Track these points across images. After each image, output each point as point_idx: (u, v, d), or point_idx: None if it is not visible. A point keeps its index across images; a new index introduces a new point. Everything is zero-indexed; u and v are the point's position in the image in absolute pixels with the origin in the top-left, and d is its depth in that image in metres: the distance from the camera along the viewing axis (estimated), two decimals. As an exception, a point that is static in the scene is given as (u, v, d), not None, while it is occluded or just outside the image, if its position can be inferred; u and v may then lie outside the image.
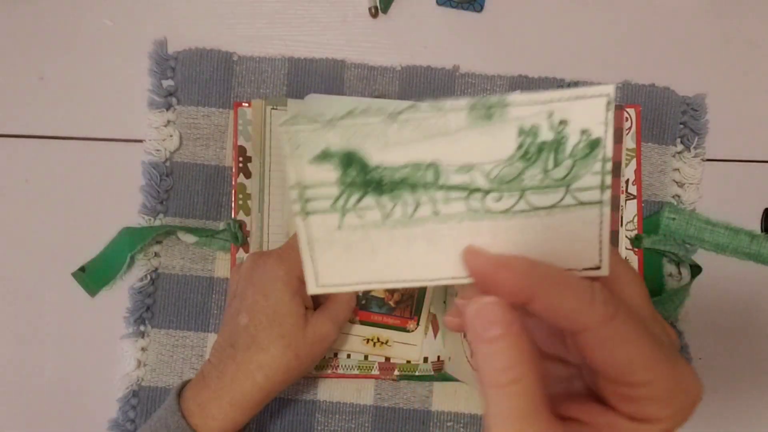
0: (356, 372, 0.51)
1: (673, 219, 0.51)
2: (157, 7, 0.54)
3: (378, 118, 0.24)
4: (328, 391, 0.52)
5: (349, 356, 0.51)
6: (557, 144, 0.24)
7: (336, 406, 0.52)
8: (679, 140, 0.53)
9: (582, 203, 0.25)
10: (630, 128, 0.52)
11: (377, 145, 0.24)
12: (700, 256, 0.52)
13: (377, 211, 0.25)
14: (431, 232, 0.26)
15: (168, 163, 0.53)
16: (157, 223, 0.52)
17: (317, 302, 0.46)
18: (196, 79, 0.53)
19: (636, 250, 0.51)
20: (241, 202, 0.51)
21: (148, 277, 0.52)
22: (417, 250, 0.26)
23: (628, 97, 0.53)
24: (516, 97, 0.23)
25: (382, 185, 0.25)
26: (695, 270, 0.51)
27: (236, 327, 0.43)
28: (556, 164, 0.24)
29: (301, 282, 0.44)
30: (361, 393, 0.52)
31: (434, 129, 0.24)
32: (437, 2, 0.55)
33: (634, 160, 0.51)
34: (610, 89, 0.23)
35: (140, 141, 0.53)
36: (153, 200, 0.52)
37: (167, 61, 0.53)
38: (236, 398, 0.41)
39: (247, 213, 0.51)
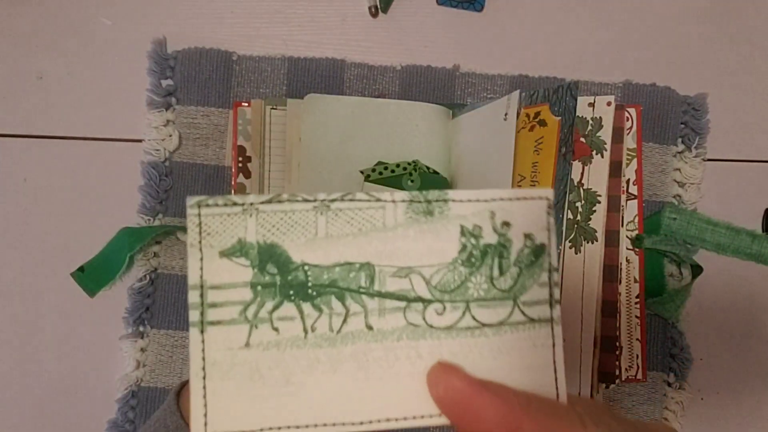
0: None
1: (674, 219, 0.51)
2: (157, 7, 0.54)
3: (307, 206, 0.21)
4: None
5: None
6: (501, 248, 0.23)
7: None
8: (680, 140, 0.53)
9: (531, 320, 0.23)
10: (631, 128, 0.51)
11: (303, 239, 0.21)
12: (701, 257, 0.52)
13: (298, 323, 0.21)
14: (363, 352, 0.22)
15: (167, 163, 0.52)
16: (157, 223, 0.52)
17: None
18: (196, 78, 0.53)
19: (637, 250, 0.51)
20: (240, 202, 0.51)
21: (148, 278, 0.52)
22: (345, 377, 0.22)
23: (628, 96, 0.53)
24: (456, 193, 0.22)
25: (306, 289, 0.21)
26: (696, 270, 0.51)
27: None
28: (502, 272, 0.23)
29: None
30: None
31: (370, 223, 0.22)
32: (437, 2, 0.54)
33: (635, 160, 0.51)
34: (549, 193, 0.22)
35: (139, 141, 0.53)
36: (152, 200, 0.52)
37: (166, 60, 0.53)
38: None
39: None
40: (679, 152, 0.53)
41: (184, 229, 0.51)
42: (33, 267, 0.53)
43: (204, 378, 0.21)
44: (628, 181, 0.51)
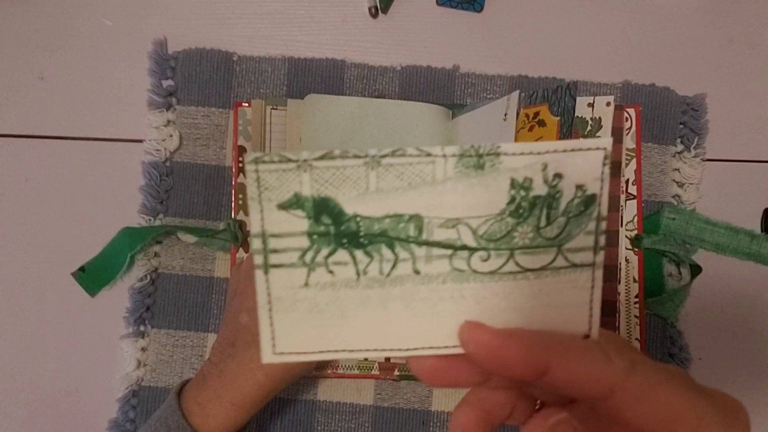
0: (356, 372, 0.51)
1: (673, 219, 0.51)
2: (157, 7, 0.54)
3: (358, 162, 0.22)
4: (328, 391, 0.52)
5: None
6: (551, 199, 0.23)
7: (336, 406, 0.52)
8: (679, 140, 0.53)
9: (574, 265, 0.23)
10: (630, 128, 0.52)
11: (355, 193, 0.22)
12: (700, 256, 0.52)
13: (351, 267, 0.23)
14: (410, 293, 0.23)
15: (168, 163, 0.53)
16: (157, 223, 0.52)
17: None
18: (196, 79, 0.53)
19: (636, 250, 0.51)
20: (241, 202, 0.51)
21: (148, 277, 0.52)
22: (392, 313, 0.24)
23: (628, 97, 0.53)
24: (509, 146, 0.22)
25: (358, 238, 0.23)
26: (695, 270, 0.51)
27: (237, 326, 0.42)
28: (549, 222, 0.23)
29: None
30: (361, 393, 0.52)
31: (419, 178, 0.22)
32: (437, 2, 0.55)
33: (634, 160, 0.51)
34: (607, 143, 0.22)
35: (140, 141, 0.53)
36: (153, 200, 0.52)
37: (167, 61, 0.53)
38: (237, 397, 0.41)
39: (247, 213, 0.51)
40: (678, 152, 0.53)
41: (184, 229, 0.51)
42: (34, 267, 0.53)
43: (270, 310, 0.23)
44: (627, 181, 0.51)
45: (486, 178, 0.22)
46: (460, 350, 0.24)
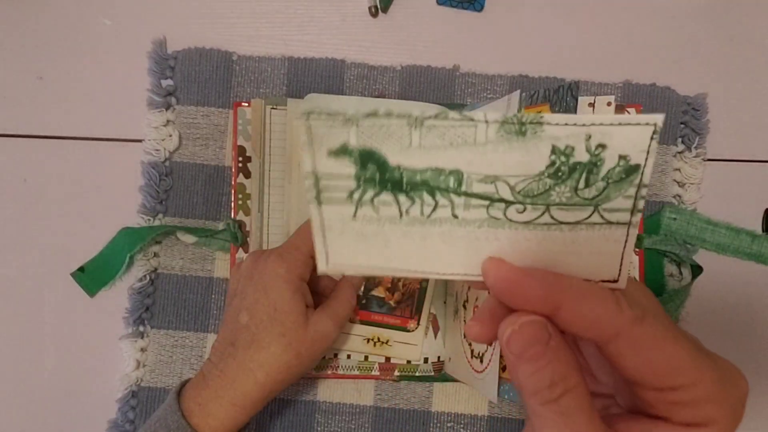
0: (356, 372, 0.51)
1: (674, 219, 0.51)
2: (157, 7, 0.54)
3: (402, 121, 0.23)
4: (328, 391, 0.52)
5: (349, 356, 0.51)
6: (592, 166, 0.23)
7: (336, 406, 0.52)
8: (680, 140, 0.53)
9: (609, 222, 0.24)
10: (630, 128, 0.51)
11: (398, 147, 0.23)
12: (701, 256, 0.52)
13: (394, 207, 0.25)
14: (448, 232, 0.25)
15: (167, 163, 0.52)
16: (157, 223, 0.52)
17: (318, 301, 0.46)
18: (196, 78, 0.53)
19: (637, 250, 0.51)
20: (240, 202, 0.51)
21: (148, 278, 0.52)
22: (431, 246, 0.25)
23: (628, 96, 0.53)
24: (553, 117, 0.22)
25: (401, 185, 0.24)
26: (696, 270, 0.51)
27: (237, 326, 0.42)
28: (588, 185, 0.24)
29: (302, 280, 0.44)
30: (361, 393, 0.52)
31: (461, 138, 0.23)
32: (437, 2, 0.54)
33: (635, 159, 0.51)
34: (658, 118, 0.22)
35: (139, 141, 0.53)
36: (152, 200, 0.52)
37: (166, 60, 0.53)
38: (237, 397, 0.41)
39: (247, 213, 0.51)
40: (679, 152, 0.53)
41: (183, 229, 0.51)
42: (33, 267, 0.53)
43: (323, 232, 0.25)
44: (628, 181, 0.51)
45: (527, 144, 0.23)
46: None
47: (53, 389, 0.52)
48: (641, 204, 0.24)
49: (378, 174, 0.24)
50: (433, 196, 0.24)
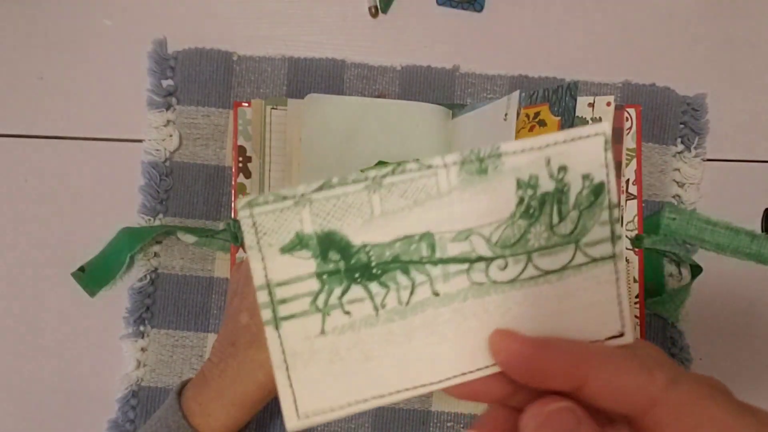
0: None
1: (674, 219, 0.51)
2: (157, 7, 0.54)
3: (359, 187, 0.21)
4: (328, 391, 0.52)
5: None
6: (560, 194, 0.22)
7: (336, 406, 0.52)
8: (679, 140, 0.53)
9: (594, 260, 0.23)
10: (630, 128, 0.52)
11: (360, 221, 0.21)
12: (701, 256, 0.52)
13: (367, 303, 0.22)
14: (432, 318, 0.22)
15: (168, 163, 0.52)
16: (157, 223, 0.52)
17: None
18: (196, 78, 0.53)
19: (636, 250, 0.51)
20: (241, 202, 0.51)
21: (148, 278, 0.52)
22: (418, 344, 0.22)
23: (628, 97, 0.53)
24: (509, 145, 0.22)
25: (371, 269, 0.22)
26: (696, 270, 0.51)
27: (237, 325, 0.42)
28: (562, 218, 0.22)
29: None
30: (362, 393, 0.52)
31: (424, 192, 0.21)
32: (437, 2, 0.54)
33: (635, 160, 0.51)
34: (605, 127, 0.22)
35: (140, 141, 0.53)
36: (152, 200, 0.52)
37: (167, 60, 0.53)
38: (237, 397, 0.41)
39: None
40: (679, 152, 0.53)
41: (184, 229, 0.51)
42: (33, 267, 0.53)
43: (287, 369, 0.21)
44: (627, 181, 0.51)
45: (491, 183, 0.22)
46: (492, 370, 0.23)
47: (53, 389, 0.52)
48: (618, 229, 0.23)
49: (342, 261, 0.21)
50: (407, 274, 0.22)
